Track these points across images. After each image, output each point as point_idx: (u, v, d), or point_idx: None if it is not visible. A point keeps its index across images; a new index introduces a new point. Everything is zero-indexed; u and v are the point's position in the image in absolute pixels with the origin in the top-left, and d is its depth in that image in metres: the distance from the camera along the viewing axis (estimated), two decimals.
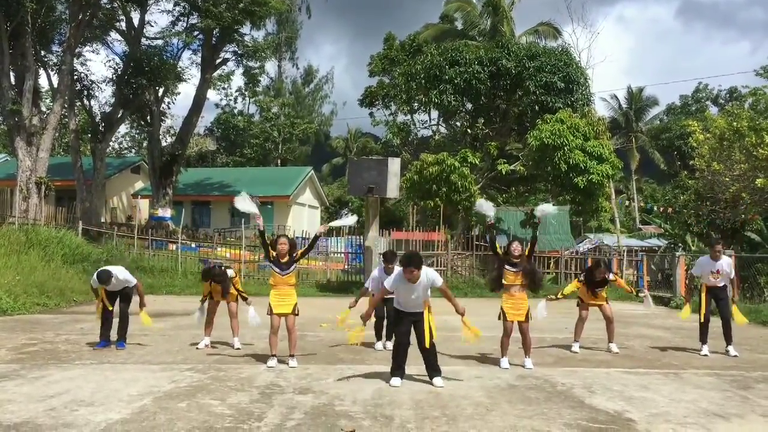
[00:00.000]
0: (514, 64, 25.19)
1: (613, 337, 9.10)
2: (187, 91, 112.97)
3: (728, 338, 8.94)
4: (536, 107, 25.41)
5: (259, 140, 50.86)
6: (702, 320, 8.98)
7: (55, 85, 26.21)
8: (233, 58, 31.62)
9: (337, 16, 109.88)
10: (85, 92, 29.10)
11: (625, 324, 11.94)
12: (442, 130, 32.59)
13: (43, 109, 27.29)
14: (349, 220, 8.26)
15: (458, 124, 30.73)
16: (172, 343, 9.15)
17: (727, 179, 18.00)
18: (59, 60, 26.73)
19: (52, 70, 27.66)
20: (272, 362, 7.49)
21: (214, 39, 29.78)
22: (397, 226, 27.57)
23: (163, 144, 32.84)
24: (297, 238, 18.56)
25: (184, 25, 29.85)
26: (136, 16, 29.79)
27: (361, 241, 20.00)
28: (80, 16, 25.06)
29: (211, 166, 48.76)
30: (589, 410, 5.73)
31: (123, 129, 46.07)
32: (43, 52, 27.38)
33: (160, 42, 31.13)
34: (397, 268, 7.09)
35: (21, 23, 23.75)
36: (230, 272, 8.82)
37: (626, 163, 37.07)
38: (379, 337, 9.02)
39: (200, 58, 30.91)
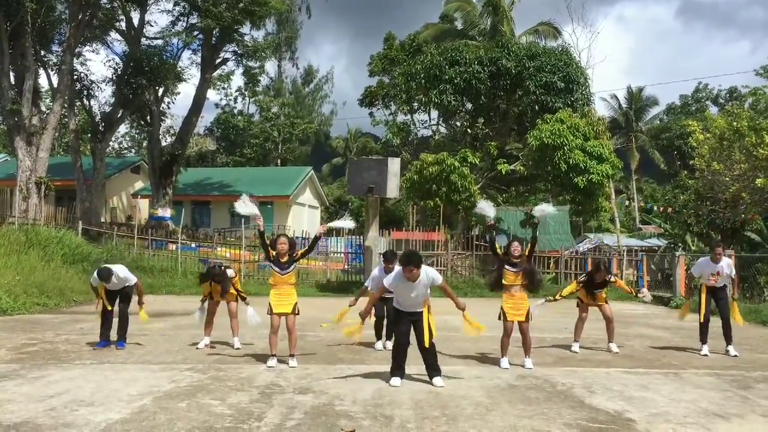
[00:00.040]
0: (514, 63, 25.20)
1: (613, 336, 9.11)
2: (187, 91, 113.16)
3: (728, 338, 8.94)
4: (536, 107, 25.43)
5: (259, 140, 50.86)
6: (702, 320, 8.98)
7: (55, 85, 26.21)
8: (233, 58, 31.69)
9: (337, 16, 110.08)
10: (85, 92, 29.09)
11: (625, 324, 11.94)
12: (442, 130, 32.62)
13: (43, 109, 27.28)
14: (348, 223, 8.28)
15: (458, 124, 30.75)
16: (172, 343, 9.15)
17: (727, 179, 17.99)
18: (59, 60, 26.72)
19: (52, 70, 27.68)
20: (272, 362, 7.48)
21: (214, 39, 29.79)
22: (397, 226, 27.59)
23: (163, 144, 32.85)
24: (297, 238, 18.56)
25: (184, 24, 29.87)
26: (136, 16, 29.86)
27: (361, 241, 20.01)
28: (80, 16, 25.05)
29: (211, 166, 48.76)
30: (589, 410, 5.72)
31: (123, 129, 46.19)
32: (43, 52, 27.36)
33: (160, 42, 31.20)
34: (397, 267, 7.08)
35: (21, 23, 23.74)
36: (230, 272, 8.83)
37: (626, 163, 37.08)
38: (378, 337, 9.02)
39: (200, 58, 30.93)
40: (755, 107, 27.59)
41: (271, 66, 53.51)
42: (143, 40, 30.32)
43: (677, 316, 10.23)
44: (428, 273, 6.60)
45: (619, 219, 39.93)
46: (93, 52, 40.30)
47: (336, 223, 8.40)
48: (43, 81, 28.72)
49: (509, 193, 29.26)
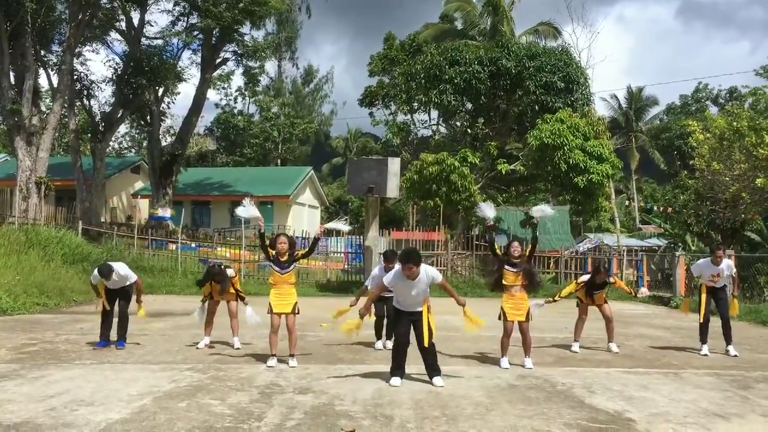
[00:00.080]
0: (514, 63, 25.19)
1: (613, 336, 9.12)
2: (187, 91, 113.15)
3: (728, 338, 8.95)
4: (536, 107, 25.41)
5: (259, 140, 50.86)
6: (702, 320, 8.99)
7: (55, 85, 26.19)
8: (233, 57, 31.68)
9: (337, 16, 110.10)
10: (85, 92, 29.07)
11: (625, 324, 11.94)
12: (442, 129, 32.60)
13: (43, 108, 27.26)
14: (343, 226, 8.28)
15: (458, 123, 30.74)
16: (172, 343, 9.15)
17: (727, 179, 17.99)
18: (59, 60, 26.70)
19: (52, 70, 27.66)
20: (272, 362, 7.48)
21: (214, 39, 29.78)
22: (397, 226, 27.59)
23: (163, 144, 32.84)
24: (297, 238, 18.55)
25: (184, 24, 29.85)
26: (136, 16, 29.84)
27: (361, 240, 20.00)
28: (80, 16, 25.04)
29: (211, 165, 48.77)
30: (589, 410, 5.73)
31: (123, 129, 46.18)
32: (43, 52, 27.35)
33: (160, 42, 31.19)
34: (397, 266, 7.08)
35: (21, 23, 23.73)
36: (230, 272, 8.83)
37: (626, 163, 37.09)
38: (378, 337, 9.02)
39: (200, 58, 30.91)
40: (755, 107, 27.56)
41: (271, 66, 53.62)
42: (143, 40, 30.34)
43: (680, 312, 10.20)
44: (428, 272, 6.60)
45: (619, 219, 39.94)
46: (93, 52, 40.36)
47: (332, 225, 8.41)
48: (43, 81, 28.77)
49: (509, 193, 29.25)
